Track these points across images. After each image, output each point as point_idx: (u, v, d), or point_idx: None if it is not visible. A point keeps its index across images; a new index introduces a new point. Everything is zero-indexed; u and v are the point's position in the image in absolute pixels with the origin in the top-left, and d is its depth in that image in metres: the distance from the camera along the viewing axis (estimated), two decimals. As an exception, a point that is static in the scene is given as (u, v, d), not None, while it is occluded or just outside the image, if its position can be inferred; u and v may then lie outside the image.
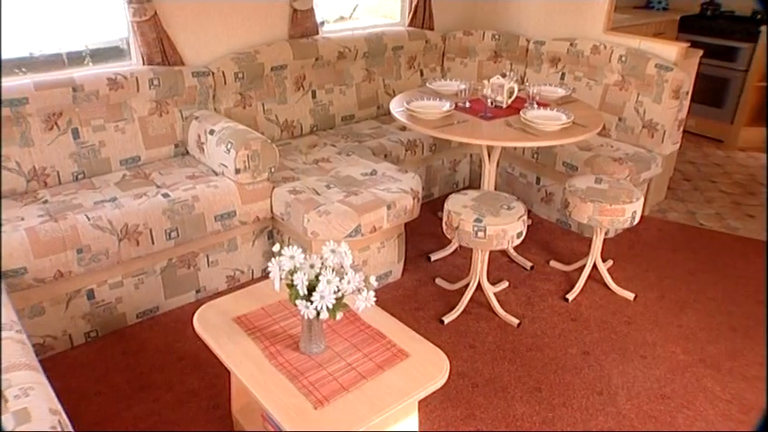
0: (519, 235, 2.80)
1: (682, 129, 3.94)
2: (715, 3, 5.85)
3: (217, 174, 3.18)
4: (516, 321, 3.02)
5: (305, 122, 3.93)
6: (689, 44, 4.01)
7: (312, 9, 3.96)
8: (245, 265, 3.29)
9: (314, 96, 3.95)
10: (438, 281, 3.34)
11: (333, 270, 1.82)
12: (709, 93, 5.58)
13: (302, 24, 3.93)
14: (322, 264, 1.85)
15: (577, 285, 3.28)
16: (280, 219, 3.13)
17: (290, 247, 1.85)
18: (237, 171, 3.03)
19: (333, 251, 1.85)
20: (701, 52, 4.14)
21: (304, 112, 3.91)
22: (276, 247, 1.87)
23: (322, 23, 4.28)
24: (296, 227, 2.99)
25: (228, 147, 3.04)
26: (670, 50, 3.87)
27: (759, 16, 5.54)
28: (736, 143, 5.59)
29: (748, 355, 2.89)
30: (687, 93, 3.79)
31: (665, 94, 3.70)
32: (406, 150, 3.82)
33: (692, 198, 4.52)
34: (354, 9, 7.11)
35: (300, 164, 3.47)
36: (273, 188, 3.15)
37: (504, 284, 3.32)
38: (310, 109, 3.94)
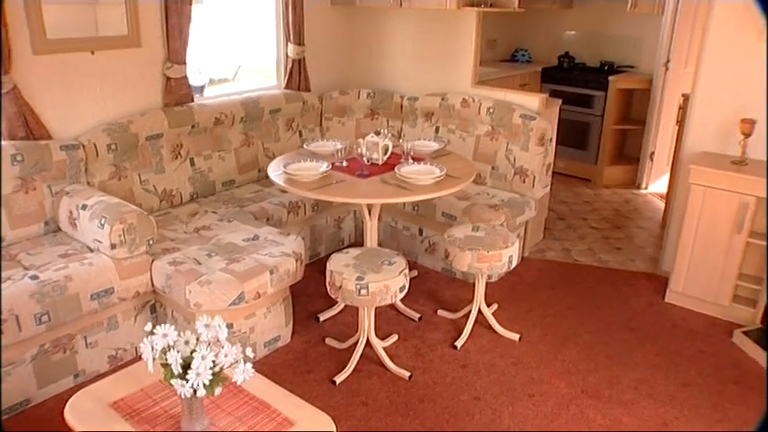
0: (402, 289, 2.86)
1: (550, 173, 4.21)
2: (570, 56, 6.37)
3: (92, 250, 3.06)
4: (407, 374, 3.06)
5: (184, 191, 3.86)
6: (548, 95, 4.33)
7: (186, 77, 3.94)
8: (127, 343, 3.14)
9: (192, 164, 3.91)
10: (328, 340, 3.33)
11: (208, 344, 1.79)
12: (574, 137, 6.01)
13: (176, 92, 3.90)
14: (197, 339, 1.81)
15: (465, 332, 3.37)
16: (161, 292, 3.04)
17: (163, 325, 1.80)
18: (113, 246, 2.92)
19: (207, 326, 1.82)
20: (559, 101, 4.48)
21: (183, 181, 3.85)
22: (148, 326, 1.82)
23: (203, 87, 4.27)
24: (178, 299, 2.91)
25: (102, 222, 2.94)
26: (532, 101, 4.16)
27: (606, 67, 6.08)
28: (601, 181, 6.03)
29: (623, 381, 3.07)
30: (551, 139, 4.06)
31: (532, 142, 3.96)
32: (289, 212, 3.83)
33: (567, 236, 4.81)
34: (237, 70, 7.13)
35: (181, 233, 3.39)
36: (153, 261, 3.06)
37: (394, 338, 3.36)
38: (189, 177, 3.89)
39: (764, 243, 3.43)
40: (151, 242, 3.05)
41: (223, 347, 1.79)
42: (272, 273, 2.99)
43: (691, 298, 3.73)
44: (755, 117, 3.50)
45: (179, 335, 1.81)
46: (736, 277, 3.55)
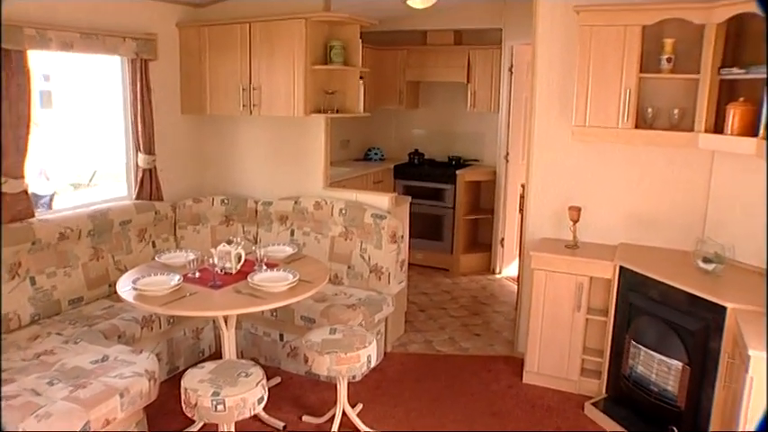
0: (260, 400, 2.81)
1: (405, 268, 4.36)
2: (419, 152, 6.77)
3: None
4: (272, 490, 2.95)
5: (23, 313, 3.59)
6: (401, 190, 4.55)
7: (24, 191, 3.76)
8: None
9: (33, 283, 3.67)
10: (187, 462, 3.17)
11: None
12: (429, 229, 6.30)
13: (13, 208, 3.70)
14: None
15: (330, 437, 3.33)
16: (-10, 433, 2.76)
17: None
18: (-74, 389, 2.65)
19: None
20: (409, 199, 4.72)
21: (21, 302, 3.59)
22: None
23: (51, 196, 4.08)
24: (11, 439, 2.66)
25: None
26: (382, 200, 4.35)
27: (454, 162, 6.51)
28: (458, 270, 6.32)
29: (488, 470, 3.14)
30: (402, 236, 4.24)
31: (384, 240, 4.12)
32: (143, 327, 3.67)
33: (428, 327, 4.94)
34: (93, 175, 6.85)
35: (18, 361, 3.13)
36: (-20, 399, 2.79)
37: (258, 451, 3.25)
38: (29, 297, 3.63)
39: (601, 318, 3.72)
40: (-22, 377, 2.79)
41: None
42: (122, 396, 2.83)
43: (545, 376, 3.94)
44: (580, 204, 3.87)
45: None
46: (581, 352, 3.82)
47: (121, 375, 2.94)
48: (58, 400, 2.72)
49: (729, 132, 3.16)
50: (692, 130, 3.39)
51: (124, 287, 3.21)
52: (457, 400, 3.81)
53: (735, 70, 3.18)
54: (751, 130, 3.04)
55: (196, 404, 2.72)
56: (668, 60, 3.44)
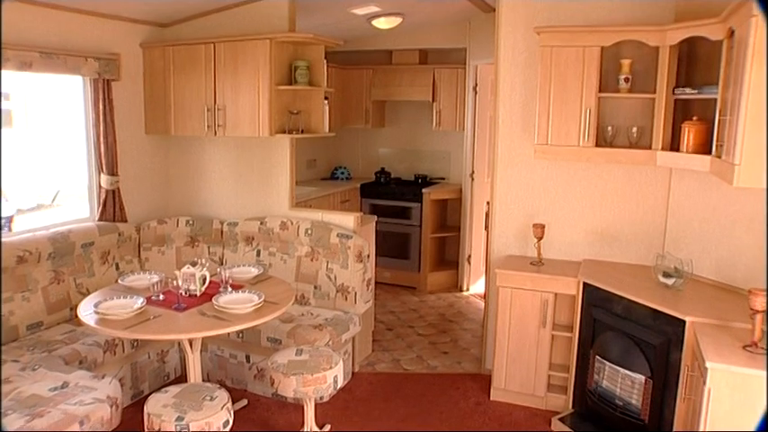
0: (225, 424, 2.77)
1: (372, 287, 4.36)
2: (386, 171, 6.80)
3: None
4: None
5: (-21, 340, 3.51)
6: (368, 209, 4.55)
7: (-18, 215, 3.68)
8: None
9: (-12, 308, 3.59)
10: (151, 490, 3.09)
11: None
12: (396, 247, 6.32)
13: (-30, 232, 3.62)
14: None
15: (298, 460, 3.30)
16: (-57, 466, 2.67)
17: None
18: None
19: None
20: (375, 218, 4.73)
21: (-23, 329, 3.51)
22: None
23: (10, 218, 3.98)
24: (-35, 472, 2.58)
25: None
26: (348, 220, 4.35)
27: (420, 180, 6.56)
28: (426, 288, 6.34)
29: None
30: (368, 256, 4.24)
31: (350, 260, 4.12)
32: (105, 351, 3.60)
33: (396, 346, 4.94)
34: (56, 196, 6.70)
35: (-27, 391, 3.05)
36: (-71, 432, 2.70)
37: (224, 477, 3.19)
38: (-15, 323, 3.55)
39: (566, 334, 3.76)
40: (-69, 408, 2.71)
41: None
42: (82, 424, 2.76)
43: (512, 393, 3.96)
44: (544, 222, 3.93)
45: None
46: (547, 368, 3.84)
47: (82, 402, 2.87)
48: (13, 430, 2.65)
49: (685, 150, 3.26)
50: (650, 147, 3.48)
51: (86, 311, 3.16)
52: (425, 419, 3.81)
53: (688, 90, 3.28)
54: (705, 147, 3.14)
55: (160, 430, 2.68)
56: (626, 80, 3.53)
